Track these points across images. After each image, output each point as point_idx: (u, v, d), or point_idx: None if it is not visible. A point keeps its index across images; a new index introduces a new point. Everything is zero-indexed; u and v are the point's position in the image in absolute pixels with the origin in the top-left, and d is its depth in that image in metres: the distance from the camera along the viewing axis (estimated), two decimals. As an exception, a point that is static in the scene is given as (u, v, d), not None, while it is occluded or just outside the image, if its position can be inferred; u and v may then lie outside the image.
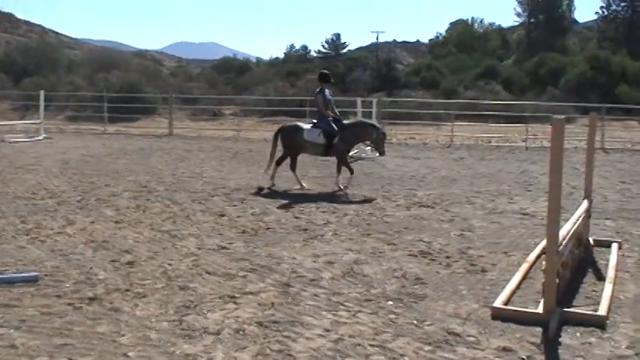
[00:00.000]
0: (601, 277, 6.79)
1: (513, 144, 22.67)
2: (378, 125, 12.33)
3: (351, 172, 12.27)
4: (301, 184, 12.27)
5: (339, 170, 12.20)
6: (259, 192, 11.77)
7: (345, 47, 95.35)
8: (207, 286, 6.25)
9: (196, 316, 5.42)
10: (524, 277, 6.61)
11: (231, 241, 8.10)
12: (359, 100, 20.95)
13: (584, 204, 7.76)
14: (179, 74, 57.39)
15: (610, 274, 6.81)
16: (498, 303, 5.73)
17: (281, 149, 12.52)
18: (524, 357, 4.73)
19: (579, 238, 7.41)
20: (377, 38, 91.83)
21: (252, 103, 32.38)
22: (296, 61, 71.73)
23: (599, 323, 5.42)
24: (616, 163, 17.34)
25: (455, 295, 6.10)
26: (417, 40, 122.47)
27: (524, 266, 6.91)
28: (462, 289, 6.29)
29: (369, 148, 18.07)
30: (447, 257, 7.45)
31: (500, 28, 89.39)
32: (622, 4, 60.84)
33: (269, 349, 4.75)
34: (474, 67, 52.32)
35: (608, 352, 4.89)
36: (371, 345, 4.84)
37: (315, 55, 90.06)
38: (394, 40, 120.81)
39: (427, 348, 4.81)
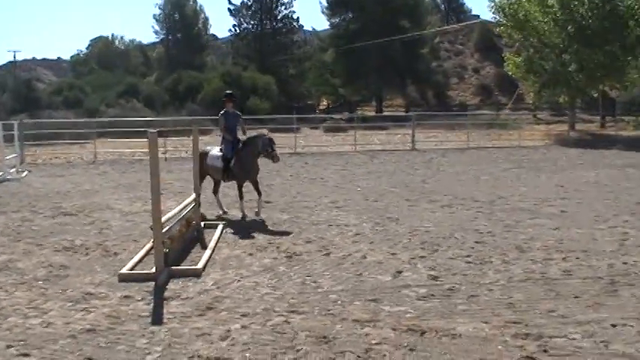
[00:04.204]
0: (205, 247, 9.31)
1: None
2: (262, 134, 11.96)
3: (259, 194, 11.93)
4: (223, 210, 12.16)
5: (241, 196, 11.89)
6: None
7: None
8: None
9: None
10: (146, 254, 8.81)
11: None
12: (-1, 124, 20.73)
13: (192, 196, 10.28)
14: None
15: (212, 244, 9.40)
16: (124, 270, 7.84)
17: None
18: (139, 299, 6.90)
19: (189, 221, 9.89)
20: (14, 57, 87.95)
21: None
22: None
23: (195, 274, 7.86)
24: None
25: (92, 272, 8.04)
26: (59, 58, 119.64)
27: (148, 246, 9.12)
28: (97, 268, 8.25)
29: (13, 169, 18.51)
30: (87, 249, 9.33)
31: (141, 45, 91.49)
32: (252, 22, 65.96)
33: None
34: (116, 84, 53.90)
35: (199, 288, 7.31)
36: (27, 308, 6.59)
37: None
38: (34, 58, 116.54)
39: (69, 304, 6.72)
